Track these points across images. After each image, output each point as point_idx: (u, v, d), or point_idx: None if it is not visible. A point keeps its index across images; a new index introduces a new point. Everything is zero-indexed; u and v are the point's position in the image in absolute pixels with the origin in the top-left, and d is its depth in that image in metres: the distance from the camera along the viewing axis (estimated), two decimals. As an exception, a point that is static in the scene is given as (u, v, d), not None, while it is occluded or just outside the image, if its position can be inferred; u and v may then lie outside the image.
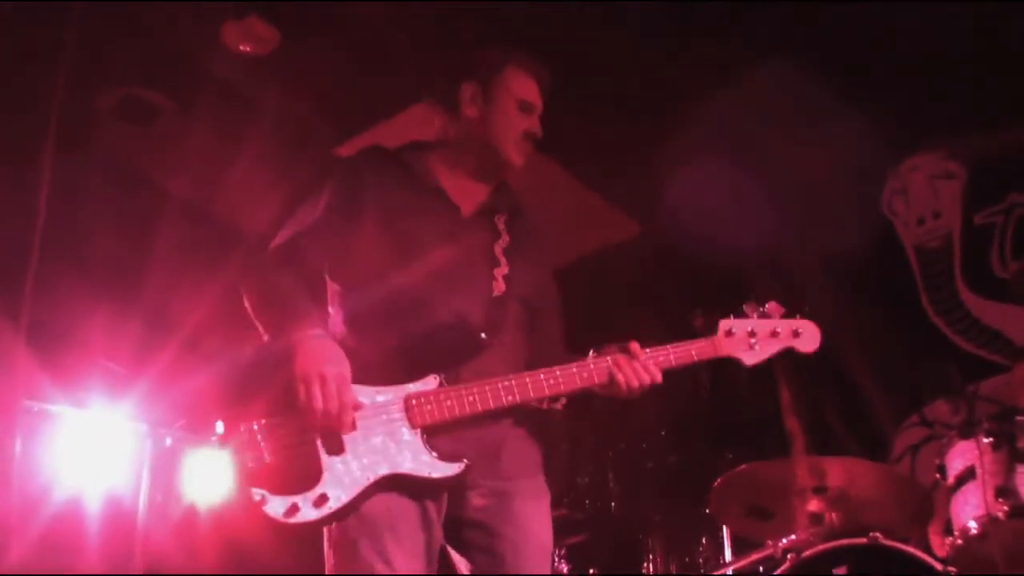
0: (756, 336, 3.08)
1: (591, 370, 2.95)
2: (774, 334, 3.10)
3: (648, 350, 3.00)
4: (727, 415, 5.88)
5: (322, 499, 2.74)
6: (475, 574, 2.93)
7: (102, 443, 6.39)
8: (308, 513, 2.73)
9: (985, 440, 3.62)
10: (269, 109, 5.43)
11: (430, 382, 2.88)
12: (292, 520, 2.73)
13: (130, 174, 5.84)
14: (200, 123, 5.48)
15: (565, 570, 5.22)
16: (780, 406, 5.61)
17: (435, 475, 2.82)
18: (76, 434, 6.31)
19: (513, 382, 2.90)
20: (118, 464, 6.46)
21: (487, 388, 2.88)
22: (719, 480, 4.09)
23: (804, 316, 3.19)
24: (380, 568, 2.77)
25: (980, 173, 5.39)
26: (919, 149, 5.58)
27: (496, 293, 3.05)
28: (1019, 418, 3.64)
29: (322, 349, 2.80)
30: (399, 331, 2.94)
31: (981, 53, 5.00)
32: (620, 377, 2.94)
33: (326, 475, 2.76)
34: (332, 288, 3.09)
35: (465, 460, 2.84)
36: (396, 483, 2.81)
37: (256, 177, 5.75)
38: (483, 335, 2.96)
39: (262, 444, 2.75)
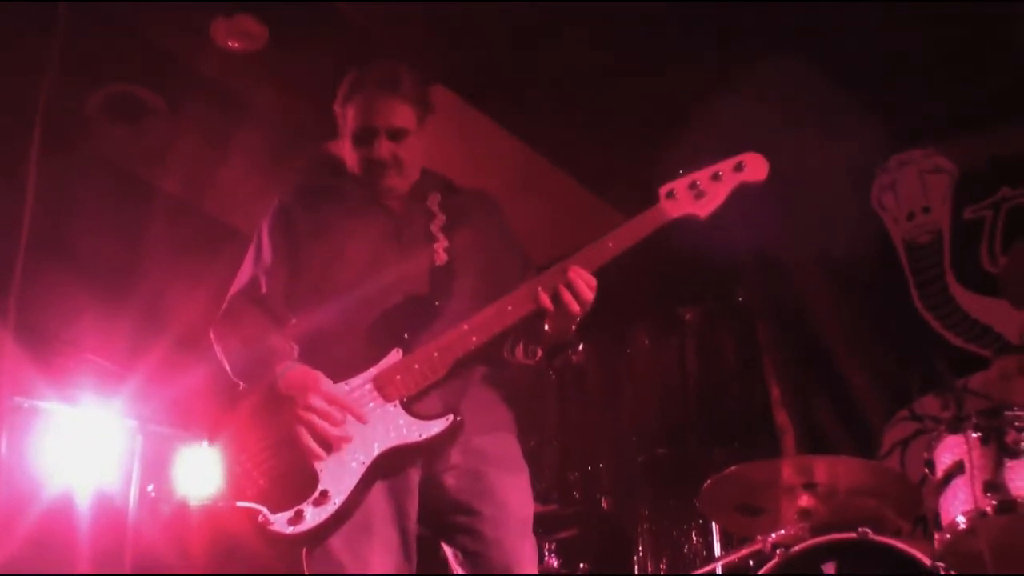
0: (698, 186, 2.95)
1: (535, 287, 2.90)
2: (716, 177, 2.97)
3: (589, 246, 2.94)
4: (717, 410, 5.89)
5: (323, 496, 2.77)
6: (469, 574, 2.93)
7: (92, 440, 6.38)
8: (313, 516, 2.76)
9: (974, 435, 3.62)
10: (259, 106, 5.43)
11: (393, 356, 2.91)
12: (300, 528, 2.76)
13: (120, 171, 5.84)
14: (190, 121, 5.48)
15: (555, 565, 5.22)
16: (770, 400, 5.62)
17: (425, 436, 2.85)
18: (66, 430, 6.29)
19: (472, 323, 2.91)
20: (108, 461, 6.44)
21: (450, 339, 2.90)
22: (708, 482, 4.10)
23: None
24: (351, 566, 2.80)
25: (970, 168, 5.39)
26: (909, 144, 5.58)
27: (439, 263, 3.07)
28: (1008, 412, 3.64)
29: (291, 382, 2.86)
30: (354, 329, 2.99)
31: (971, 49, 5.00)
32: (563, 294, 2.85)
33: (322, 475, 2.79)
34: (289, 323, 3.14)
35: (453, 414, 2.86)
36: (391, 460, 2.84)
37: (246, 174, 5.75)
38: (436, 303, 2.99)
39: (253, 472, 2.82)
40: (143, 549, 6.27)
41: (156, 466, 6.60)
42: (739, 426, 5.72)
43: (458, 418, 2.86)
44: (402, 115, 3.13)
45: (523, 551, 2.95)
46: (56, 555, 5.94)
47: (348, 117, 3.18)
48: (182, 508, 6.59)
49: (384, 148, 3.11)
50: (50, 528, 5.95)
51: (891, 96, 5.21)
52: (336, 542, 2.81)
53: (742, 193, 2.97)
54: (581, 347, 6.26)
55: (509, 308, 2.91)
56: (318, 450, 2.80)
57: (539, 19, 4.92)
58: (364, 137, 3.14)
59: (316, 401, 2.81)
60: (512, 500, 2.98)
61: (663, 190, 2.97)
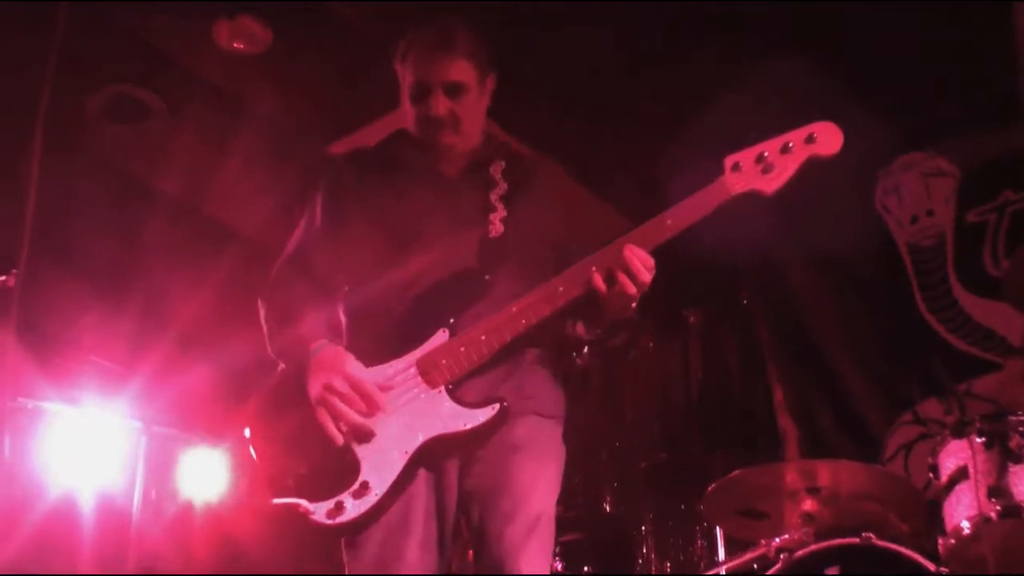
0: (766, 158, 2.74)
1: (588, 267, 2.74)
2: (786, 149, 2.75)
3: (646, 224, 2.77)
4: (720, 413, 5.88)
5: (363, 488, 2.69)
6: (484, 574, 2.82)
7: (96, 441, 6.38)
8: (353, 508, 2.68)
9: (978, 440, 3.60)
10: (261, 108, 5.42)
11: (439, 338, 2.80)
12: (340, 520, 2.68)
13: (121, 172, 5.84)
14: (191, 122, 5.48)
15: (559, 568, 5.21)
16: (773, 403, 5.61)
17: (471, 425, 2.73)
18: (70, 432, 6.29)
19: (520, 305, 2.77)
20: (112, 462, 6.44)
21: (498, 321, 2.77)
22: (712, 487, 4.08)
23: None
24: (387, 560, 2.72)
25: (973, 170, 5.38)
26: (912, 147, 5.56)
27: (493, 235, 2.93)
28: (1012, 417, 3.62)
29: (320, 362, 2.78)
30: (399, 304, 2.88)
31: (973, 51, 4.99)
32: (618, 275, 2.70)
33: (363, 464, 2.71)
34: (341, 292, 3.05)
35: (500, 402, 2.75)
36: (435, 450, 2.74)
37: (247, 176, 5.75)
38: (487, 277, 2.87)
39: (293, 459, 2.75)
40: (147, 550, 6.27)
41: (160, 467, 6.60)
42: (742, 430, 5.71)
43: (504, 405, 2.74)
44: (459, 70, 2.98)
45: (523, 549, 2.77)
46: (59, 557, 5.94)
47: (405, 75, 3.04)
48: (185, 509, 6.60)
49: (440, 104, 2.97)
50: (53, 530, 5.95)
51: (894, 97, 5.21)
52: (373, 535, 2.73)
53: (812, 165, 2.77)
54: (586, 349, 6.26)
55: (560, 289, 2.77)
56: (336, 434, 2.71)
57: (539, 20, 4.92)
58: (420, 94, 2.99)
59: (338, 383, 2.72)
60: (527, 493, 2.81)
61: (728, 161, 2.78)
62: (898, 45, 5.01)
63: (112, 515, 6.32)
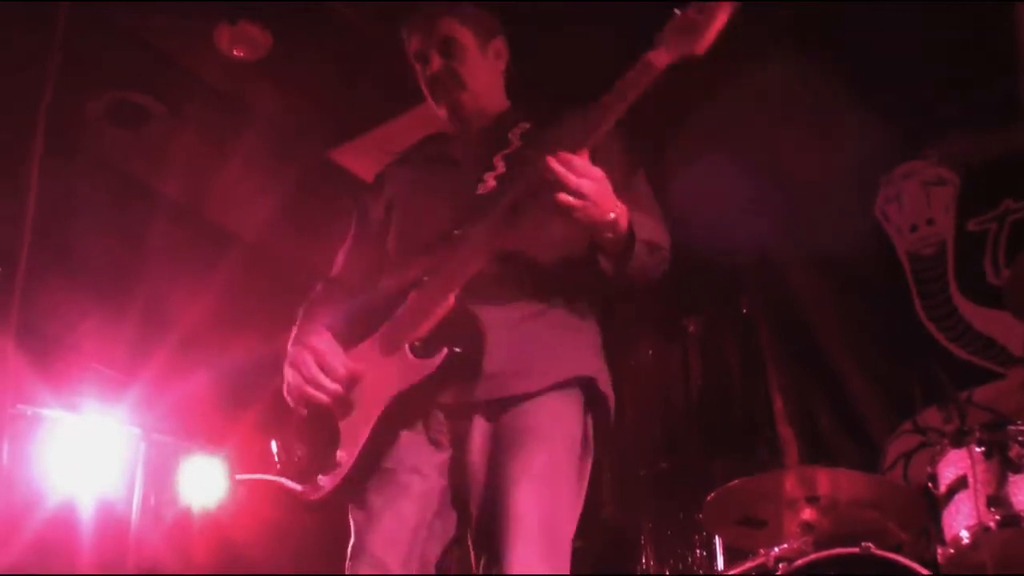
0: (688, 18, 2.58)
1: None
2: None
3: (573, 128, 2.62)
4: (720, 421, 5.87)
5: (335, 460, 2.72)
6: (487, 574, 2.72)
7: (95, 447, 6.37)
8: (326, 481, 2.72)
9: (977, 449, 3.59)
10: (262, 109, 5.43)
11: (408, 300, 2.76)
12: (320, 495, 2.72)
13: (121, 177, 5.84)
14: (191, 124, 5.49)
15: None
16: (773, 412, 5.60)
17: (420, 376, 2.66)
18: (69, 438, 6.28)
19: (469, 240, 2.68)
20: (111, 469, 6.44)
21: (451, 267, 2.68)
22: (711, 496, 4.07)
23: None
24: (360, 521, 2.70)
25: (973, 179, 5.37)
26: (912, 155, 5.56)
27: (480, 192, 2.82)
28: (1011, 427, 3.62)
29: (293, 340, 2.82)
30: (390, 291, 2.84)
31: (973, 51, 5.00)
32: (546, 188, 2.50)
33: (343, 437, 2.74)
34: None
35: (447, 348, 2.63)
36: (402, 409, 2.70)
37: (248, 177, 5.76)
38: (456, 232, 2.73)
39: (293, 445, 2.81)
40: (146, 557, 6.26)
41: (159, 474, 6.59)
42: (742, 438, 5.69)
43: (455, 351, 2.62)
44: (447, 27, 2.97)
45: (510, 552, 2.56)
46: (59, 563, 5.93)
47: (410, 57, 3.04)
48: (185, 516, 6.59)
49: (435, 62, 2.95)
50: (53, 537, 5.94)
51: (894, 97, 5.20)
52: (354, 499, 2.73)
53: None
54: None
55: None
56: (297, 406, 2.76)
57: (539, 20, 4.92)
58: (423, 66, 3.00)
59: (296, 354, 2.76)
60: (509, 493, 2.61)
61: (655, 40, 2.60)
62: (898, 45, 5.00)
63: (111, 521, 6.30)
